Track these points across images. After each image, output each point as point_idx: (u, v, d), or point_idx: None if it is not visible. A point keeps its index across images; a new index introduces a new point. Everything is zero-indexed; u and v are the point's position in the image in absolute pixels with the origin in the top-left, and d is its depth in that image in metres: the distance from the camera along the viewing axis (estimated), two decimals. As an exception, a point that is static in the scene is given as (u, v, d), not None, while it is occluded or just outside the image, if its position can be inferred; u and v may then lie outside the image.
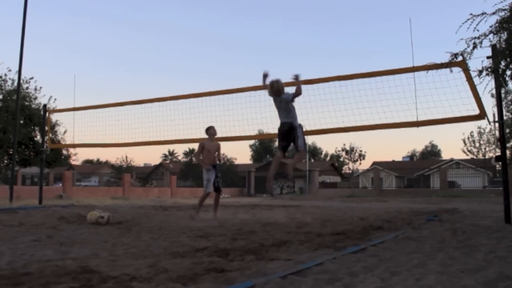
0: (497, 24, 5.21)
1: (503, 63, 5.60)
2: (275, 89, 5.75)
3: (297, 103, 7.93)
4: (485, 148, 43.75)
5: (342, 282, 2.66)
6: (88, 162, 71.21)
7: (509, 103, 22.03)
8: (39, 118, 17.16)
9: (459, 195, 23.42)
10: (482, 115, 6.66)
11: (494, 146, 38.33)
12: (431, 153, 71.23)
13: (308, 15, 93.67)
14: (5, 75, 18.84)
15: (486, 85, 5.60)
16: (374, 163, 48.18)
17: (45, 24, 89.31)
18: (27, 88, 19.32)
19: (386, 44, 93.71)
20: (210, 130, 7.97)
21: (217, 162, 8.06)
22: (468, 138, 45.02)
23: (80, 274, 2.86)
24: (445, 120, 6.95)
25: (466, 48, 5.35)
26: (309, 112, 7.90)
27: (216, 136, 8.11)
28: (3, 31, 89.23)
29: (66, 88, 74.47)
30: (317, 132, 8.28)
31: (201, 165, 7.90)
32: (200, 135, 8.97)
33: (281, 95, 5.82)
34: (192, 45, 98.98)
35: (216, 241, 4.64)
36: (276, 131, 8.33)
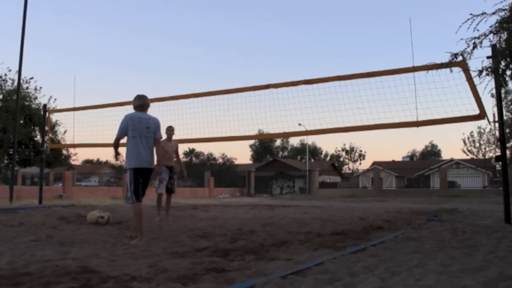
0: (497, 24, 5.21)
1: (503, 63, 5.59)
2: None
3: (297, 103, 8.01)
4: (485, 148, 43.71)
5: (342, 282, 2.66)
6: (88, 162, 71.21)
7: (509, 103, 22.02)
8: (39, 118, 17.20)
9: (459, 195, 23.41)
10: (482, 115, 6.66)
11: (494, 146, 38.30)
12: (431, 153, 71.27)
13: (308, 15, 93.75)
14: (5, 75, 18.94)
15: (486, 85, 5.60)
16: (374, 163, 48.19)
17: (45, 24, 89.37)
18: (27, 88, 19.41)
19: (386, 44, 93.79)
20: (171, 130, 7.73)
21: (174, 163, 7.78)
22: (468, 138, 45.00)
23: (80, 274, 2.86)
24: (445, 120, 6.95)
25: (466, 48, 5.36)
26: (309, 112, 7.92)
27: (217, 136, 8.08)
28: (3, 31, 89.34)
29: (66, 88, 74.59)
30: (317, 132, 8.29)
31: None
32: (199, 135, 8.98)
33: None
34: (191, 45, 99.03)
35: (216, 241, 4.64)
36: (275, 131, 8.41)
